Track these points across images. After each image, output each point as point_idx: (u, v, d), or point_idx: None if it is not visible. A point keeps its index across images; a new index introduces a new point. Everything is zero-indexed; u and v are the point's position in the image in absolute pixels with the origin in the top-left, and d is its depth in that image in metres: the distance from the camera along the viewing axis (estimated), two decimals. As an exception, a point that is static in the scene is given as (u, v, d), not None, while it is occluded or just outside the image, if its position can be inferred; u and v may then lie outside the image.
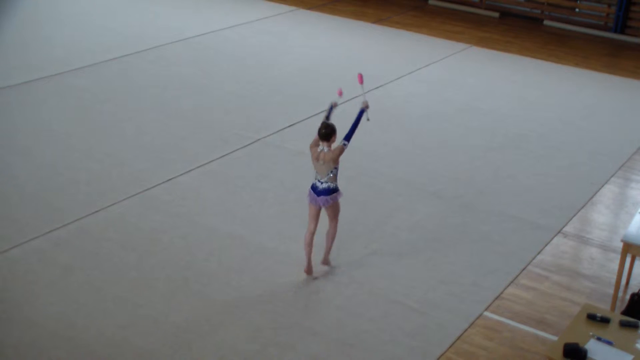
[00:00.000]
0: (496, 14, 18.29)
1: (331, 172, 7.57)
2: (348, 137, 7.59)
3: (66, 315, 7.14)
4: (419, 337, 7.16)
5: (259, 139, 10.86)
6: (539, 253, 8.58)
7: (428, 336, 7.18)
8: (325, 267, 8.10)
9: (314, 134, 11.05)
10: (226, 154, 10.37)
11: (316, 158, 7.56)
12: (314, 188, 7.68)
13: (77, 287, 7.54)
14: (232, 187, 9.57)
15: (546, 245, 8.75)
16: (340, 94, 8.10)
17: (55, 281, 7.61)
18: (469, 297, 7.76)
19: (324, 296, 7.66)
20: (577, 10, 17.72)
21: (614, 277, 7.83)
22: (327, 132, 7.54)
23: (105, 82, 12.65)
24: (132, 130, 10.92)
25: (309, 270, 7.91)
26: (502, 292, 7.88)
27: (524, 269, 8.29)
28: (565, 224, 9.20)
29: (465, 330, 7.30)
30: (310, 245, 7.81)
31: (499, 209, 9.43)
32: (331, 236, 7.96)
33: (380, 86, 13.06)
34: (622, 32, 17.02)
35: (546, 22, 17.83)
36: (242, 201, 9.25)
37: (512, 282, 8.06)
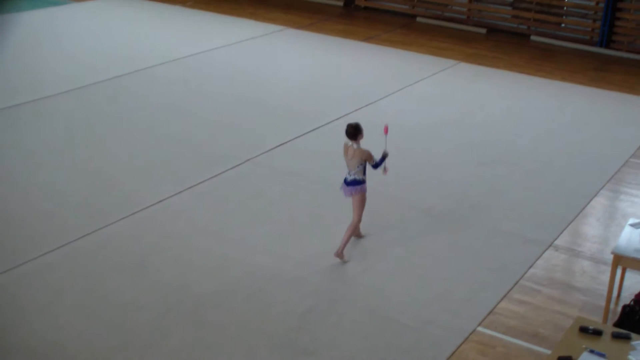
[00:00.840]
0: (483, 30, 18.39)
1: (358, 167, 8.26)
2: (376, 165, 8.31)
3: (57, 340, 7.09)
4: (414, 353, 7.13)
5: (249, 159, 10.85)
6: (531, 267, 8.58)
7: (422, 353, 7.15)
8: (338, 261, 8.26)
9: (304, 153, 11.13)
10: (217, 175, 10.36)
11: (345, 152, 8.34)
12: (344, 180, 8.41)
13: (68, 311, 7.50)
14: (223, 207, 9.55)
15: (538, 259, 8.75)
16: (386, 131, 8.51)
17: (46, 305, 7.56)
18: (462, 312, 7.74)
19: (317, 315, 7.63)
20: (562, 25, 17.84)
21: (606, 289, 7.83)
22: (351, 132, 8.27)
23: (95, 104, 12.64)
24: (122, 152, 10.91)
25: (337, 253, 8.44)
26: (495, 307, 7.86)
27: (516, 283, 8.28)
28: (557, 237, 9.21)
29: (459, 346, 7.27)
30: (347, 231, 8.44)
31: (490, 224, 9.44)
32: (351, 228, 8.42)
33: (371, 103, 13.09)
34: (607, 46, 17.13)
35: (533, 38, 17.93)
36: (233, 222, 9.23)
37: (504, 296, 8.05)
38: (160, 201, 9.59)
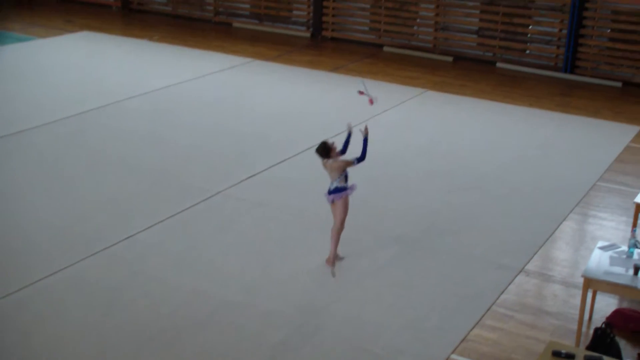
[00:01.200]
0: (450, 58, 18.58)
1: (339, 178, 8.64)
2: (359, 159, 8.64)
3: (28, 380, 6.98)
4: (387, 383, 7.10)
5: (219, 192, 10.83)
6: (502, 292, 8.61)
7: (396, 382, 7.12)
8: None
9: (274, 183, 11.13)
10: (187, 208, 10.31)
11: (324, 166, 8.72)
12: (328, 189, 8.76)
13: (37, 351, 7.38)
14: (194, 241, 9.50)
15: (509, 284, 8.79)
16: (371, 102, 9.41)
17: (15, 345, 7.44)
18: (435, 340, 7.73)
19: (291, 346, 7.58)
20: (527, 52, 18.07)
21: (578, 312, 7.87)
22: (323, 153, 8.70)
23: (64, 138, 12.57)
24: (91, 187, 10.83)
25: (329, 260, 8.89)
26: (467, 334, 7.87)
27: (488, 309, 8.30)
28: (527, 263, 9.26)
29: (433, 374, 7.26)
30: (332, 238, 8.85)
31: (461, 251, 9.47)
32: (334, 233, 8.80)
33: (340, 133, 13.11)
34: (572, 72, 17.37)
35: (499, 65, 18.14)
36: (204, 255, 9.18)
37: (477, 323, 8.05)
38: (130, 236, 9.52)
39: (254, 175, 11.42)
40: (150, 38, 19.60)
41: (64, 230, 9.64)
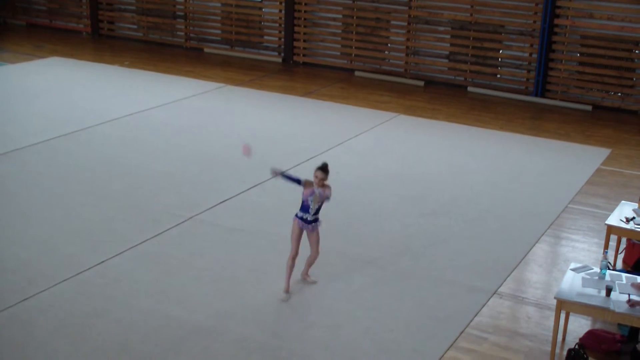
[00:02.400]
0: (421, 83, 18.75)
1: (317, 207, 8.85)
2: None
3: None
4: (362, 407, 7.09)
5: (191, 217, 10.81)
6: (476, 315, 8.65)
7: (371, 406, 7.12)
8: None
9: (246, 209, 11.13)
10: (158, 234, 10.28)
11: (316, 186, 8.82)
12: (305, 219, 8.88)
13: (7, 380, 7.31)
14: (166, 267, 9.47)
15: (483, 307, 8.84)
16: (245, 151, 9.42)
17: (-15, 374, 7.37)
18: (409, 364, 7.75)
19: (264, 372, 7.57)
20: (498, 76, 18.28)
21: (551, 334, 7.93)
22: (325, 170, 8.83)
23: (32, 166, 12.50)
24: (60, 215, 10.76)
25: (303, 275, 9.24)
26: (442, 357, 7.89)
27: (462, 332, 8.34)
28: (500, 285, 9.32)
29: (408, 397, 7.27)
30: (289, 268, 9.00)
31: (434, 274, 9.52)
32: (310, 261, 9.22)
33: (312, 158, 13.17)
34: (542, 95, 17.60)
35: (470, 89, 18.33)
36: (176, 281, 9.14)
37: (451, 345, 8.09)
38: (101, 262, 9.46)
39: (226, 200, 11.41)
40: (121, 64, 19.59)
41: (31, 258, 9.56)
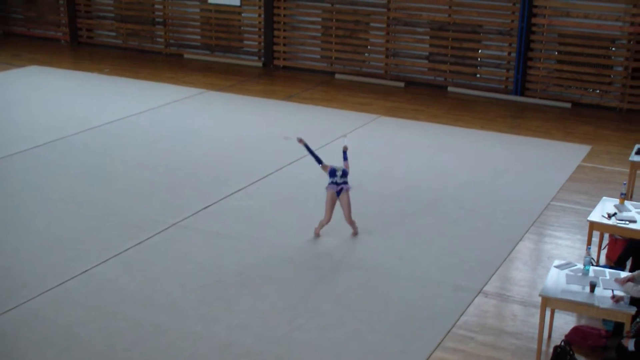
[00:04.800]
0: (401, 84, 18.76)
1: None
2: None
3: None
4: (351, 410, 7.05)
5: (174, 224, 10.74)
6: (462, 314, 8.64)
7: (359, 408, 7.08)
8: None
9: (230, 214, 11.08)
10: (142, 241, 10.21)
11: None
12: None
13: (-8, 392, 7.22)
14: (150, 274, 9.39)
15: (468, 306, 8.82)
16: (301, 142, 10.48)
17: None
18: (397, 365, 7.72)
19: (251, 377, 7.51)
20: (478, 75, 18.32)
21: (537, 331, 7.93)
22: None
23: (12, 175, 12.38)
24: (42, 224, 10.67)
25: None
26: (429, 357, 7.87)
27: (449, 331, 8.32)
28: (486, 284, 9.32)
29: (396, 398, 7.24)
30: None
31: (419, 274, 9.50)
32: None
33: (294, 161, 13.14)
34: (522, 94, 17.65)
35: (450, 89, 18.36)
36: (161, 287, 9.07)
37: (438, 345, 8.07)
38: (84, 271, 9.38)
39: (209, 206, 11.35)
40: (101, 71, 19.49)
41: (13, 268, 9.46)
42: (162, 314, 8.50)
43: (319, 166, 10.25)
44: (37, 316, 8.43)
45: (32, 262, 9.60)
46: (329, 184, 10.18)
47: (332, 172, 10.15)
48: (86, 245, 10.07)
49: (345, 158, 10.42)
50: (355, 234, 10.50)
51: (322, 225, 10.37)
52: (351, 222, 10.41)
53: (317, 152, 10.36)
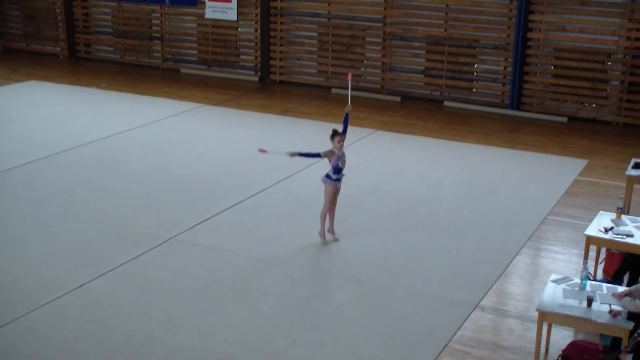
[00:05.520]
0: (397, 98, 18.77)
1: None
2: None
3: None
4: None
5: (171, 238, 10.71)
6: (458, 329, 8.61)
7: None
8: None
9: (227, 228, 11.05)
10: (139, 255, 10.17)
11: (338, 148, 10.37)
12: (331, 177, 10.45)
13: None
14: (147, 287, 9.36)
15: (465, 320, 8.79)
16: (350, 77, 10.98)
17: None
18: (393, 379, 7.68)
19: (247, 392, 7.47)
20: (474, 90, 18.34)
21: (534, 346, 7.90)
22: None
23: (10, 190, 12.36)
24: (39, 238, 10.63)
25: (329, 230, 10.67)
26: (426, 372, 7.83)
27: (445, 346, 8.28)
28: (482, 298, 9.29)
29: (393, 413, 7.20)
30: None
31: (415, 289, 9.47)
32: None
33: (290, 176, 13.13)
34: (517, 108, 17.67)
35: (446, 103, 18.38)
36: (158, 302, 9.03)
37: (435, 360, 8.04)
38: (81, 285, 9.34)
39: (205, 220, 11.32)
40: (98, 86, 19.49)
41: (9, 283, 9.41)
42: (159, 328, 8.46)
43: (320, 159, 10.32)
44: (33, 331, 8.38)
45: (28, 277, 9.56)
46: (332, 179, 10.31)
47: (337, 170, 10.29)
48: (82, 259, 10.04)
49: (345, 128, 10.50)
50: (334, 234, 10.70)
51: (324, 214, 10.48)
52: (333, 216, 10.63)
53: (310, 153, 10.37)
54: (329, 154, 10.23)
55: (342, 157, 10.24)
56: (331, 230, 10.67)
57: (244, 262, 10.05)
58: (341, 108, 17.72)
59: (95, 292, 9.24)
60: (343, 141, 10.27)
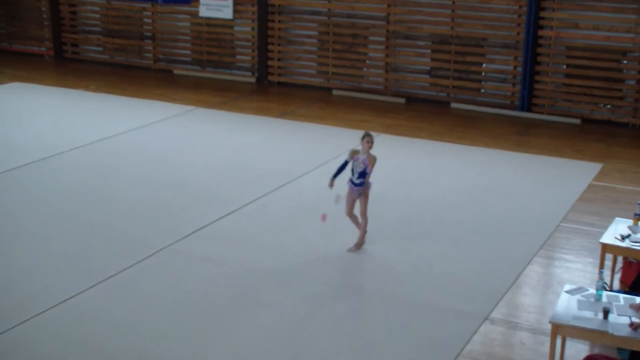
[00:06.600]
0: (402, 100, 18.78)
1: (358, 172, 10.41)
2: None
3: None
4: None
5: (164, 247, 10.70)
6: (467, 343, 8.59)
7: None
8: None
9: (223, 237, 11.04)
10: (131, 266, 10.15)
11: (363, 152, 10.43)
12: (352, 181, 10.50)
13: None
14: (140, 299, 9.33)
15: (474, 333, 8.77)
16: (324, 218, 10.56)
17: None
18: (399, 396, 7.67)
19: (245, 411, 7.46)
20: (482, 91, 18.35)
21: (547, 360, 7.89)
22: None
23: (1, 195, 12.35)
24: (25, 248, 10.62)
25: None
26: (433, 388, 7.82)
27: (453, 361, 8.28)
28: (492, 310, 9.27)
29: None
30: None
31: (421, 300, 9.45)
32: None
33: (289, 182, 13.13)
34: (528, 110, 17.68)
35: (453, 105, 18.39)
36: (150, 316, 9.01)
37: (443, 376, 8.02)
38: (70, 298, 9.31)
39: (200, 229, 11.31)
40: (87, 88, 19.50)
41: (-3, 295, 9.42)
42: (151, 344, 8.44)
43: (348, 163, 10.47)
44: (18, 347, 8.35)
45: (14, 289, 9.54)
46: (349, 181, 10.48)
47: (352, 171, 10.45)
48: (70, 270, 10.02)
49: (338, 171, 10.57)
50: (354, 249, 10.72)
51: (347, 215, 10.64)
52: (363, 230, 10.69)
53: (339, 167, 10.55)
54: (353, 153, 10.41)
55: (357, 162, 10.32)
56: (356, 245, 10.74)
57: (241, 273, 10.04)
58: (343, 111, 17.78)
59: (85, 305, 9.21)
60: (370, 144, 10.33)
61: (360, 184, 10.35)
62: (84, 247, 10.71)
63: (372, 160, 10.37)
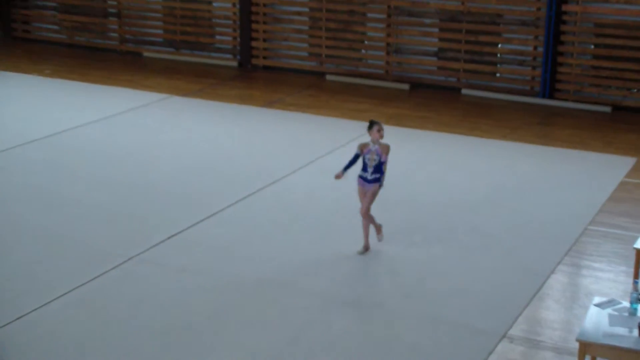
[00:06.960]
0: (406, 86, 18.81)
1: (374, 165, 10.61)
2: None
3: None
4: None
5: (133, 257, 10.70)
6: (482, 364, 8.63)
7: None
8: None
9: (200, 245, 11.04)
10: (93, 278, 10.15)
11: (372, 143, 10.63)
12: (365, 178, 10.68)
13: None
14: (103, 318, 9.33)
15: (490, 353, 8.79)
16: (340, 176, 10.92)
17: None
18: None
19: None
20: (498, 75, 18.38)
21: (574, 384, 7.91)
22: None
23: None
24: (-28, 259, 10.63)
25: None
26: (443, 416, 7.84)
27: (466, 385, 8.31)
28: (510, 326, 9.29)
29: None
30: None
31: (429, 314, 9.48)
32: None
33: (277, 181, 13.14)
34: (551, 96, 17.69)
35: (464, 91, 18.42)
36: (116, 335, 9.00)
37: (454, 402, 8.05)
38: (22, 316, 9.29)
39: (174, 235, 11.32)
40: (40, 72, 19.48)
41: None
42: (118, 368, 8.46)
43: (360, 156, 10.65)
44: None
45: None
46: (359, 175, 10.67)
47: (365, 167, 10.60)
48: (24, 284, 10.01)
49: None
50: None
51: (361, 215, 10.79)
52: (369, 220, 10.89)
53: (350, 160, 10.75)
54: (363, 146, 10.59)
55: (371, 153, 10.51)
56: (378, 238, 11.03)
57: (222, 285, 10.05)
58: (338, 99, 17.80)
59: (38, 325, 9.19)
60: (381, 132, 10.56)
61: (375, 180, 10.54)
62: (37, 257, 10.70)
63: (386, 148, 10.57)
